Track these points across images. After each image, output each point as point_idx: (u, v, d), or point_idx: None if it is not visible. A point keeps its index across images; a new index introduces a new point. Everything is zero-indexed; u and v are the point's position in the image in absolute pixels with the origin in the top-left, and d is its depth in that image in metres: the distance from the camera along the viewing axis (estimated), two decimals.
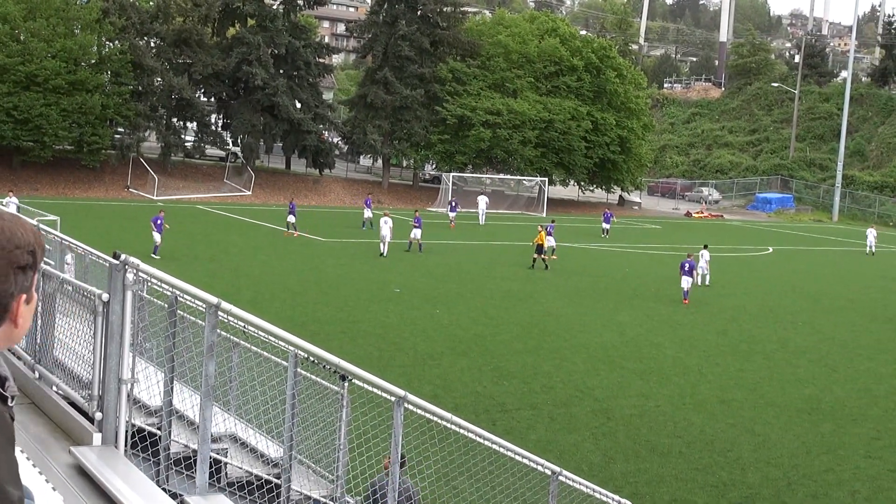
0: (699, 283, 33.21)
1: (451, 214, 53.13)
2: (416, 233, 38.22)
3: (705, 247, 35.67)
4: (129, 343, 5.86)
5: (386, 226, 36.49)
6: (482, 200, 57.43)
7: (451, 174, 63.54)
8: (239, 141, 62.75)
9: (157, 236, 31.54)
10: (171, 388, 6.17)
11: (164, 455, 6.12)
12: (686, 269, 30.57)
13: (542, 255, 36.01)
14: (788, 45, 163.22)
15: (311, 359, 6.82)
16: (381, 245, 36.59)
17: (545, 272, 34.92)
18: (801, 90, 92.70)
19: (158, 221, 31.56)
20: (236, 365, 8.15)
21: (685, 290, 30.43)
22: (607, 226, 51.98)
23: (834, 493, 14.13)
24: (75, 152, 53.77)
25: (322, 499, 7.34)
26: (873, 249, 51.51)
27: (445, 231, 48.85)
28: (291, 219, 41.36)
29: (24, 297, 2.08)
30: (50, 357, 6.43)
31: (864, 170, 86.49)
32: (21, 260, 2.05)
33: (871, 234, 52.49)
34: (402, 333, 22.52)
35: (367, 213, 46.86)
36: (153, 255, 30.39)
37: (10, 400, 2.10)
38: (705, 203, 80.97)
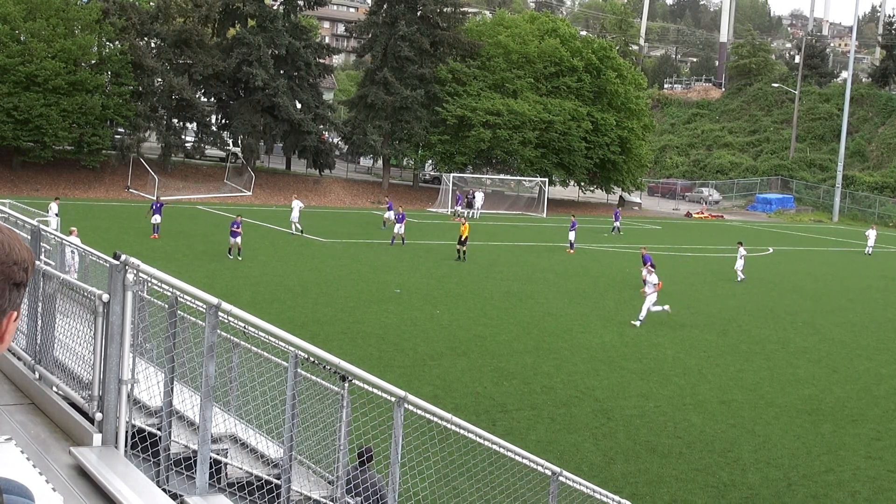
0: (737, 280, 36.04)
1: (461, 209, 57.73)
2: (399, 228, 40.35)
3: (740, 244, 37.76)
4: (130, 343, 5.86)
5: (296, 208, 41.50)
6: (479, 196, 61.32)
7: (452, 174, 63.57)
8: (239, 141, 62.68)
9: (233, 239, 33.25)
10: (171, 389, 6.17)
11: (165, 455, 6.12)
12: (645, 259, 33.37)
13: (465, 247, 36.58)
14: (788, 45, 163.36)
15: (312, 359, 6.82)
16: (293, 226, 41.21)
17: (462, 263, 35.75)
18: (802, 91, 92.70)
19: (235, 227, 33.17)
20: (236, 365, 8.14)
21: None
22: (617, 223, 54.01)
23: (834, 494, 14.13)
24: (75, 153, 53.73)
25: (322, 499, 7.34)
26: (870, 250, 51.82)
27: (446, 231, 48.81)
28: (157, 219, 37.08)
29: (14, 314, 2.04)
30: (50, 357, 6.42)
31: (864, 170, 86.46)
32: (17, 276, 2.00)
33: (872, 234, 52.62)
34: (402, 334, 22.51)
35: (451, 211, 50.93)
36: (229, 256, 32.92)
37: None
38: (705, 203, 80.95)
